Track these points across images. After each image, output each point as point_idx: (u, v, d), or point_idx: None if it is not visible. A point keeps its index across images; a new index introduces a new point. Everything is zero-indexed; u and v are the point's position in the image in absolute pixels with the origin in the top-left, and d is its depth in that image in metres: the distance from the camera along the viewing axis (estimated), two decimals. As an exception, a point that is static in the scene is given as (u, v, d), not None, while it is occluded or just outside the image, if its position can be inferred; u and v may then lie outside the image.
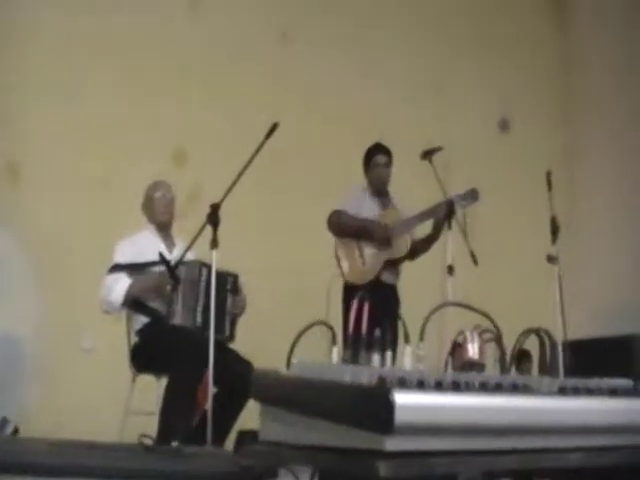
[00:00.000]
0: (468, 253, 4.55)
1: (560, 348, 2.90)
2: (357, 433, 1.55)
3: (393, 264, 4.82)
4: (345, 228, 4.79)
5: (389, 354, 2.10)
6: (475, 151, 4.78)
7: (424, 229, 4.83)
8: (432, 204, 4.72)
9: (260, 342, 4.37)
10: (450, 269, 4.55)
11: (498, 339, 2.25)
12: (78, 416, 4.76)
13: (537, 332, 2.46)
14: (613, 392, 1.98)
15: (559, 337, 4.02)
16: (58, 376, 4.96)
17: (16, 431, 4.08)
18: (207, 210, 4.02)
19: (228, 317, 4.29)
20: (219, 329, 4.14)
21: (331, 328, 2.12)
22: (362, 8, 6.92)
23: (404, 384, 1.57)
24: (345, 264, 4.79)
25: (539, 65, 7.72)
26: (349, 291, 4.62)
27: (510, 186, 4.56)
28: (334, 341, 2.10)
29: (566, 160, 7.15)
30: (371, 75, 6.79)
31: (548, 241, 4.65)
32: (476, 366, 2.17)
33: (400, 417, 1.48)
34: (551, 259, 4.59)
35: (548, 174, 4.81)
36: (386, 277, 4.78)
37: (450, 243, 4.60)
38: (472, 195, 4.69)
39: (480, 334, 2.27)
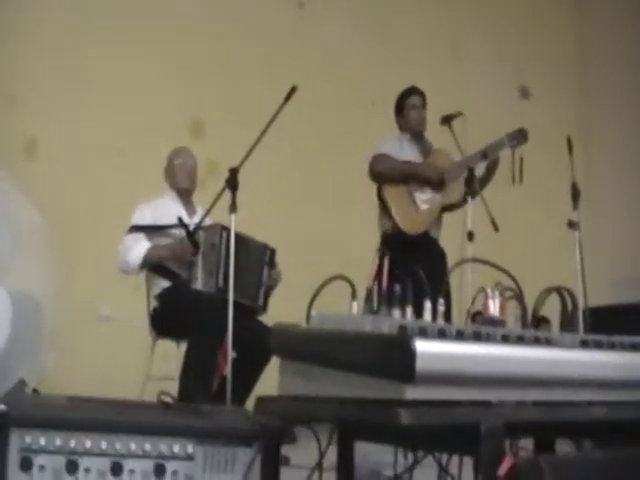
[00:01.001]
0: (489, 219, 4.47)
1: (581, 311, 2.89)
2: (378, 382, 1.55)
3: (450, 210, 4.62)
4: (392, 172, 4.54)
5: (409, 309, 2.08)
6: (494, 117, 4.74)
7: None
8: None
9: (282, 299, 4.36)
10: (470, 235, 4.46)
11: (519, 297, 2.24)
12: (97, 382, 4.77)
13: (559, 291, 2.44)
14: (635, 347, 1.96)
15: (580, 303, 3.99)
16: (77, 343, 4.98)
17: (34, 392, 4.09)
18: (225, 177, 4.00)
19: (263, 288, 4.30)
20: (254, 296, 4.18)
21: (351, 282, 2.10)
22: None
23: (425, 333, 1.56)
24: (397, 212, 4.52)
25: (557, 34, 7.67)
26: (394, 241, 4.41)
27: (530, 153, 4.49)
28: (354, 295, 2.08)
29: (582, 130, 7.09)
30: (389, 41, 6.76)
31: (569, 207, 4.60)
32: (497, 323, 2.16)
33: (421, 365, 1.47)
34: (572, 225, 4.53)
35: (569, 140, 4.74)
36: (431, 230, 4.61)
37: (470, 209, 4.54)
38: (522, 135, 4.51)
39: (501, 292, 2.26)
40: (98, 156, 5.58)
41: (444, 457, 2.18)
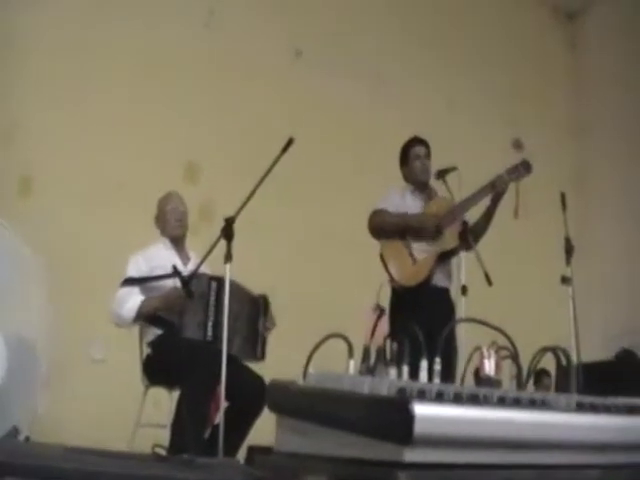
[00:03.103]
0: (482, 274, 4.46)
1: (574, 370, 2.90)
2: (375, 444, 1.55)
3: (447, 257, 4.57)
4: (389, 227, 4.54)
5: (405, 368, 2.09)
6: (488, 170, 4.79)
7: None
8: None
9: (279, 356, 4.36)
10: (464, 289, 4.49)
11: (514, 356, 2.25)
12: (88, 427, 4.77)
13: (554, 350, 2.46)
14: (631, 410, 1.97)
15: (574, 359, 4.01)
16: (69, 386, 4.97)
17: (27, 440, 4.07)
18: (220, 227, 4.02)
19: (260, 339, 4.32)
20: (252, 352, 4.20)
21: (347, 341, 2.11)
22: (374, 28, 6.98)
23: (423, 396, 1.57)
24: (394, 265, 4.51)
25: (550, 85, 7.78)
26: (398, 296, 4.40)
27: (524, 206, 4.51)
28: (351, 354, 2.09)
29: (577, 181, 7.17)
30: (383, 93, 6.84)
31: (562, 262, 4.63)
32: (492, 382, 2.17)
33: (419, 428, 1.48)
34: (565, 280, 4.56)
35: (562, 195, 4.80)
36: (437, 279, 4.53)
37: (464, 263, 4.56)
38: (524, 166, 4.49)
39: (496, 351, 2.27)
40: (92, 198, 5.59)
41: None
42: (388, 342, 2.15)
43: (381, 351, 2.14)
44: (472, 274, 4.43)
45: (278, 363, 4.05)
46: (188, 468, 2.15)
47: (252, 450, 4.44)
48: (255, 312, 4.36)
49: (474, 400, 1.64)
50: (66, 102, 5.69)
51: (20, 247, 2.59)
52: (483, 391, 1.74)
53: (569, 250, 4.66)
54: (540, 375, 2.20)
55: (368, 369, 2.09)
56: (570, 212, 4.81)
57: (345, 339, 2.10)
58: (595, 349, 4.98)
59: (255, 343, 4.32)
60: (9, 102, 5.55)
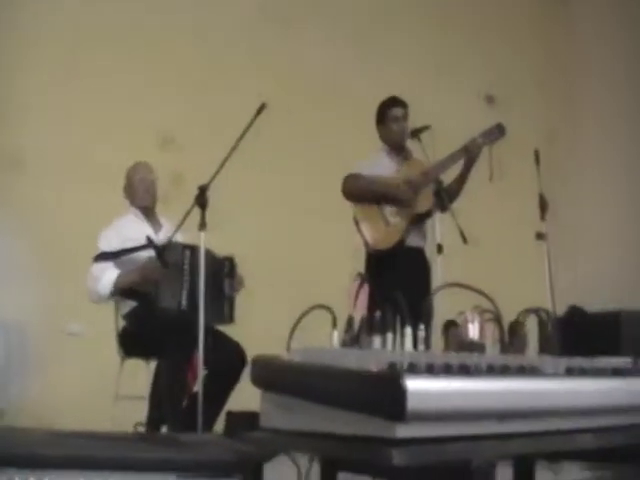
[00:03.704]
0: (457, 232, 4.43)
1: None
2: (365, 420, 1.52)
3: (420, 220, 4.52)
4: (363, 193, 4.49)
5: (390, 336, 2.06)
6: (461, 128, 4.74)
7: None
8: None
9: (261, 328, 4.33)
10: (439, 248, 4.46)
11: (498, 319, 2.23)
12: (67, 401, 4.72)
13: (537, 312, 2.44)
14: (617, 372, 1.96)
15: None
16: (46, 361, 4.91)
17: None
18: (193, 194, 3.95)
19: (227, 302, 4.24)
20: (219, 315, 4.12)
21: (331, 311, 2.08)
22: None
23: (414, 369, 1.54)
24: (367, 228, 4.48)
25: (523, 39, 7.72)
26: (373, 260, 4.40)
27: (498, 167, 4.48)
28: (335, 324, 2.06)
29: (552, 138, 7.15)
30: (360, 52, 6.76)
31: (537, 218, 4.62)
32: (476, 346, 2.15)
33: (412, 404, 1.45)
34: (540, 236, 4.56)
35: (536, 152, 4.78)
36: (412, 239, 4.48)
37: (438, 222, 4.52)
38: (498, 130, 4.47)
39: (480, 314, 2.25)
40: (66, 173, 5.49)
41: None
42: (371, 311, 2.12)
43: (364, 320, 2.11)
44: (447, 233, 4.40)
45: (256, 334, 4.03)
46: (173, 447, 2.12)
47: (230, 415, 4.41)
48: (220, 274, 4.27)
49: (464, 371, 1.61)
50: (37, 76, 5.56)
51: (7, 230, 2.51)
52: (472, 360, 1.71)
53: (543, 206, 4.65)
54: (514, 327, 2.20)
55: (352, 339, 2.06)
56: (543, 168, 4.79)
57: (329, 310, 2.06)
58: (570, 302, 4.99)
59: (221, 305, 4.24)
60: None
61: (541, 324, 2.43)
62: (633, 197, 6.63)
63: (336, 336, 2.02)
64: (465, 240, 4.36)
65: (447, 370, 1.59)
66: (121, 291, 4.11)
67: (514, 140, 4.68)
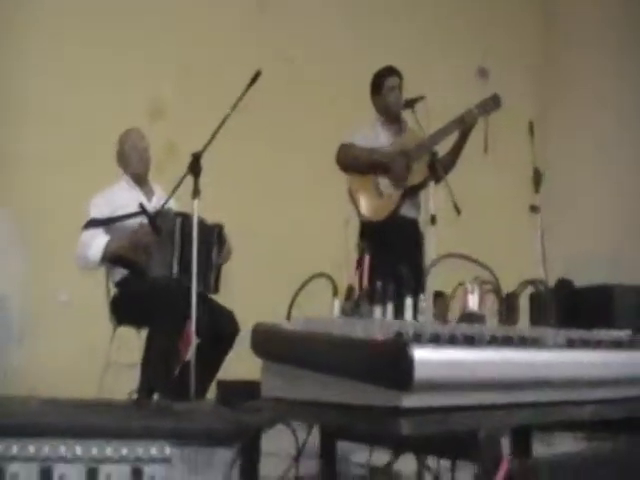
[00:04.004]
0: (451, 204, 4.41)
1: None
2: (371, 389, 1.51)
3: (414, 191, 4.53)
4: (356, 163, 4.48)
5: (390, 306, 2.05)
6: (455, 99, 4.72)
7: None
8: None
9: (260, 297, 4.30)
10: (433, 219, 4.45)
11: (497, 291, 2.22)
12: (56, 370, 4.70)
13: (534, 283, 2.44)
14: (618, 344, 1.96)
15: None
16: (35, 330, 4.89)
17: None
18: (185, 164, 3.91)
19: (214, 270, 4.20)
20: (205, 283, 4.08)
21: (332, 280, 2.06)
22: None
23: (419, 339, 1.52)
24: (361, 199, 4.48)
25: (517, 14, 7.67)
26: (366, 231, 4.39)
27: (492, 139, 4.45)
28: (336, 293, 2.04)
29: (544, 109, 7.13)
30: (355, 24, 6.70)
31: (530, 190, 4.61)
32: (477, 317, 2.14)
33: (419, 373, 1.43)
34: (534, 209, 4.55)
35: (530, 123, 4.75)
36: (406, 210, 4.51)
37: (432, 193, 4.50)
38: (494, 101, 4.44)
39: (480, 285, 2.24)
40: (56, 142, 5.42)
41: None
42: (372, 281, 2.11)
43: (365, 289, 2.09)
44: (441, 205, 4.38)
45: (251, 303, 4.02)
46: (169, 416, 2.10)
47: (221, 385, 4.40)
48: (209, 241, 4.22)
49: (469, 341, 1.60)
50: (26, 42, 5.48)
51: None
52: (475, 331, 1.70)
53: (537, 179, 4.64)
54: (512, 298, 2.21)
55: (353, 309, 2.05)
56: (537, 141, 4.77)
57: (330, 278, 2.04)
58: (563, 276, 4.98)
59: (208, 274, 4.21)
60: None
61: (538, 296, 2.42)
62: (627, 169, 6.62)
63: (337, 305, 2.01)
64: (459, 211, 4.34)
65: (452, 340, 1.58)
66: (111, 257, 4.07)
67: (508, 112, 4.65)
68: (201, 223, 4.01)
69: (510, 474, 1.48)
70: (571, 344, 1.85)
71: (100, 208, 4.16)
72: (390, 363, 1.45)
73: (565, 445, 2.95)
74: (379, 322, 1.69)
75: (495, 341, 1.68)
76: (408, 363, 1.42)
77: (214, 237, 4.20)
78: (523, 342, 1.75)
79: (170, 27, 5.97)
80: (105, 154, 4.60)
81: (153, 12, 5.92)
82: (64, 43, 5.59)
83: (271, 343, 1.83)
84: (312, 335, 1.71)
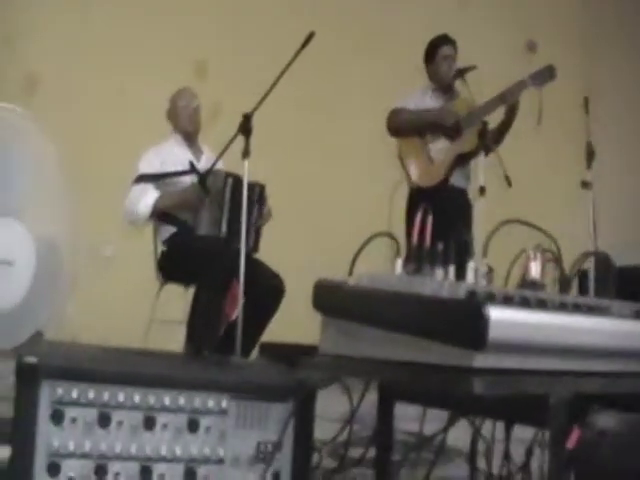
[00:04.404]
0: (502, 176, 4.36)
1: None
2: (442, 348, 1.48)
3: (464, 159, 4.48)
4: (407, 125, 4.45)
5: (452, 269, 2.02)
6: (505, 71, 4.66)
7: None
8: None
9: (316, 254, 4.30)
10: (482, 190, 4.40)
11: (558, 260, 2.19)
12: (101, 324, 4.73)
13: (596, 255, 2.40)
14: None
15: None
16: (80, 282, 4.91)
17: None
18: (230, 125, 3.88)
19: (253, 228, 4.18)
20: (246, 242, 4.07)
21: (395, 239, 2.04)
22: None
23: (492, 299, 1.50)
24: (411, 165, 4.45)
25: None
26: (415, 197, 4.36)
27: (545, 112, 4.38)
28: (398, 253, 2.02)
29: (594, 84, 7.02)
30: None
31: (582, 166, 4.55)
32: (538, 286, 2.11)
33: (493, 333, 1.41)
34: (585, 184, 4.49)
35: (586, 99, 4.67)
36: (456, 180, 4.47)
37: (482, 164, 4.45)
38: (549, 72, 4.34)
39: (542, 253, 2.21)
40: (99, 95, 5.45)
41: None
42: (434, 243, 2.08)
43: (427, 251, 2.07)
44: (491, 176, 4.33)
45: (288, 264, 4.01)
46: (227, 369, 2.10)
47: (264, 347, 4.42)
48: (249, 199, 4.19)
49: (542, 305, 1.57)
50: (68, 3, 5.47)
51: (43, 142, 2.47)
52: (546, 295, 1.67)
53: (590, 155, 4.57)
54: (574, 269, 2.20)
55: (415, 269, 2.03)
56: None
57: (392, 237, 2.02)
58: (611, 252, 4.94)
59: (246, 232, 4.17)
60: (11, 5, 5.33)
61: (599, 268, 2.39)
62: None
63: (399, 265, 1.98)
64: (510, 183, 4.30)
65: (525, 303, 1.55)
66: (160, 213, 4.09)
67: (559, 86, 4.57)
68: (241, 181, 3.99)
69: (582, 440, 1.46)
70: (638, 315, 1.81)
71: (151, 162, 4.18)
72: (464, 322, 1.43)
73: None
74: (447, 282, 1.66)
75: (566, 307, 1.65)
76: (483, 322, 1.40)
77: (255, 196, 4.18)
78: (592, 310, 1.72)
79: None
80: (146, 109, 4.61)
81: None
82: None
83: (335, 299, 1.81)
84: (379, 292, 1.69)
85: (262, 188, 4.25)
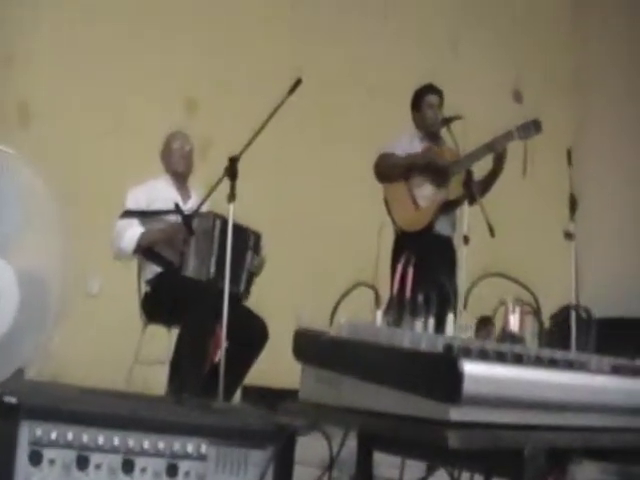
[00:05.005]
0: (485, 225, 4.40)
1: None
2: (418, 400, 1.51)
3: (450, 207, 4.53)
4: (394, 170, 4.50)
5: (432, 321, 2.05)
6: (491, 120, 4.75)
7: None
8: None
9: (303, 297, 4.32)
10: (465, 239, 4.45)
11: (537, 312, 2.22)
12: (85, 359, 4.72)
13: (576, 309, 2.44)
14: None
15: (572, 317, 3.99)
16: (64, 318, 4.90)
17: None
18: (218, 162, 3.93)
19: (246, 273, 4.24)
20: (235, 281, 4.11)
21: (375, 290, 2.07)
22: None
23: (468, 354, 1.53)
24: (397, 209, 4.51)
25: (553, 38, 7.69)
26: (400, 241, 4.42)
27: (530, 163, 4.45)
28: (377, 303, 2.04)
29: (577, 137, 7.13)
30: (390, 30, 6.73)
31: (565, 216, 4.61)
32: (516, 339, 2.14)
33: (468, 387, 1.44)
34: (568, 235, 4.55)
35: (569, 151, 4.75)
36: (441, 227, 4.54)
37: (466, 213, 4.50)
38: (534, 126, 4.44)
39: (521, 306, 2.24)
40: (90, 129, 5.47)
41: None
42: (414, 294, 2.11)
43: (408, 302, 2.10)
44: (475, 225, 4.38)
45: (282, 306, 4.04)
46: (207, 413, 2.11)
47: (247, 390, 4.44)
48: (244, 245, 4.26)
49: (517, 359, 1.60)
50: (66, 33, 5.53)
51: (31, 178, 2.49)
52: (522, 350, 1.70)
53: (573, 206, 4.63)
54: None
55: (395, 320, 2.05)
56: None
57: (374, 289, 2.05)
58: (594, 304, 4.98)
59: (239, 277, 4.23)
60: (6, 29, 5.38)
61: (578, 321, 2.42)
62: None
63: (379, 315, 2.01)
64: (493, 233, 4.35)
65: (500, 357, 1.58)
66: (146, 251, 4.12)
67: (544, 136, 4.65)
68: (239, 227, 4.06)
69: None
70: (615, 371, 1.84)
71: (137, 200, 4.22)
72: (440, 376, 1.46)
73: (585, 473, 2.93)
74: (426, 334, 1.69)
75: (542, 362, 1.68)
76: (458, 377, 1.43)
77: (251, 242, 4.26)
78: (569, 365, 1.75)
79: (205, 24, 5.97)
80: (137, 143, 4.65)
81: (189, 8, 5.94)
82: (104, 30, 5.60)
83: (314, 348, 1.83)
84: (358, 343, 1.72)
85: (258, 236, 4.33)
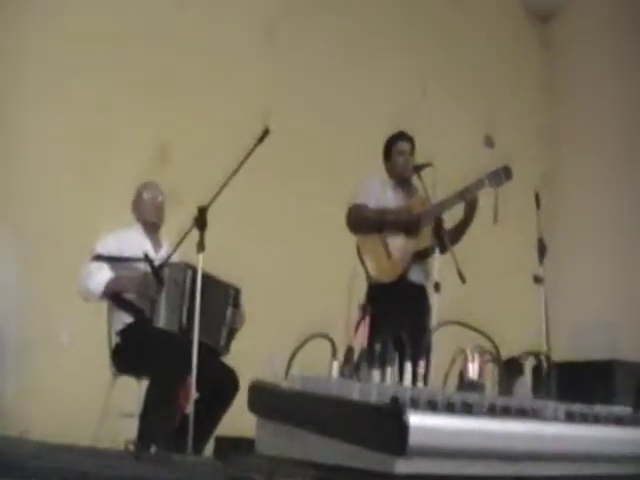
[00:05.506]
0: (456, 272, 4.40)
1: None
2: (365, 452, 1.51)
3: (422, 256, 4.50)
4: (367, 222, 4.49)
5: (389, 370, 2.05)
6: (462, 165, 4.78)
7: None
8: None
9: (258, 353, 4.30)
10: (437, 286, 4.45)
11: (498, 360, 2.23)
12: (52, 413, 4.66)
13: (536, 355, 2.44)
14: (619, 420, 1.95)
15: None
16: (32, 369, 4.87)
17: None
18: (189, 210, 3.94)
19: (226, 329, 4.23)
20: (215, 337, 4.11)
21: (331, 341, 2.07)
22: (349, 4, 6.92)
23: (416, 404, 1.53)
24: (369, 260, 4.48)
25: (522, 82, 7.81)
26: (373, 292, 4.40)
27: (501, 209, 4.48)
28: (334, 354, 2.05)
29: (548, 183, 7.20)
30: (360, 76, 6.79)
31: (534, 260, 4.62)
32: (476, 386, 2.14)
33: (414, 439, 1.44)
34: (537, 280, 4.55)
35: (537, 195, 4.76)
36: (414, 275, 4.50)
37: (437, 261, 4.51)
38: (505, 173, 4.46)
39: (480, 354, 2.24)
40: (59, 179, 5.44)
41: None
42: (372, 343, 2.11)
43: (365, 352, 2.10)
44: (447, 272, 4.38)
45: (249, 358, 4.01)
46: (166, 467, 2.09)
47: (220, 441, 4.39)
48: (224, 300, 4.27)
49: (466, 409, 1.60)
50: (33, 83, 5.53)
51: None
52: (473, 399, 1.70)
53: (542, 250, 4.64)
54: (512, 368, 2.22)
55: (351, 370, 2.05)
56: (541, 211, 4.80)
57: (329, 339, 2.05)
58: (563, 347, 4.98)
59: (219, 333, 4.23)
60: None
61: (539, 368, 2.42)
62: (628, 243, 6.68)
63: (336, 366, 2.01)
64: (463, 280, 4.34)
65: (449, 407, 1.58)
66: (116, 298, 4.09)
67: (514, 180, 4.69)
68: (218, 282, 4.07)
69: None
70: (570, 418, 1.84)
71: (108, 246, 4.20)
72: (385, 428, 1.46)
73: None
74: (376, 386, 1.69)
75: (493, 411, 1.68)
76: (403, 429, 1.43)
77: (230, 298, 4.26)
78: (521, 413, 1.75)
79: (174, 73, 5.99)
80: (107, 192, 4.65)
81: (163, 54, 5.96)
82: (70, 83, 5.59)
83: (267, 401, 1.83)
84: (308, 395, 1.72)
85: (237, 291, 4.32)
